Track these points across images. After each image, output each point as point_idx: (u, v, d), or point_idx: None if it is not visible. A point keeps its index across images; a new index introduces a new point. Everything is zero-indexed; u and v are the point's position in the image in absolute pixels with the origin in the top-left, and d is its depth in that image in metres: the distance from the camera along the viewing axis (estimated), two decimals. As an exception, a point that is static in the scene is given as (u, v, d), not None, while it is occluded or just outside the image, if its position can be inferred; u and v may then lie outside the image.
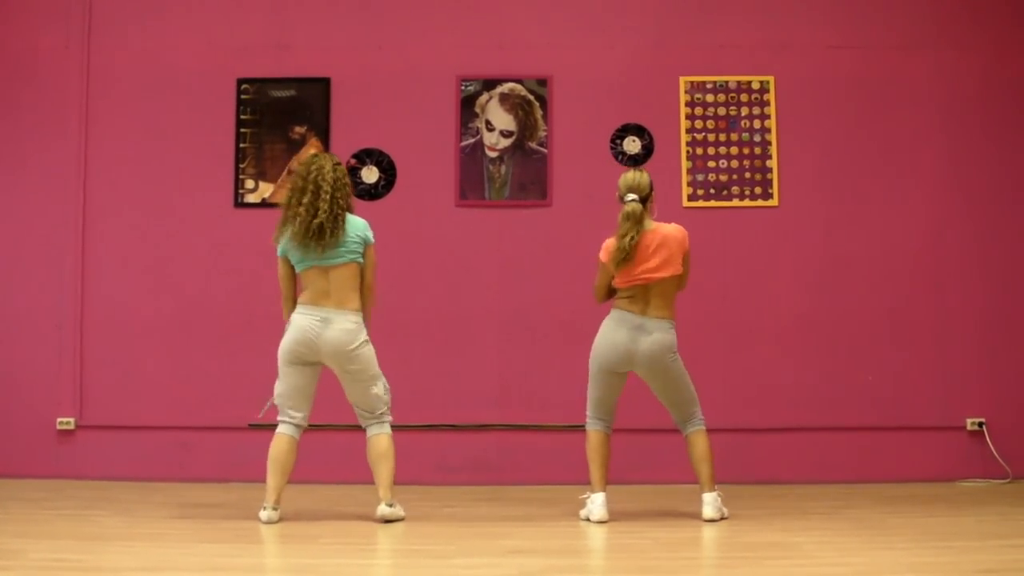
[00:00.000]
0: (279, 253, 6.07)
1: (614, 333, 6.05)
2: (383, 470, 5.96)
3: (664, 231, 6.06)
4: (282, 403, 6.01)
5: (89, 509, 6.39)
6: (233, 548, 5.24)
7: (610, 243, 6.13)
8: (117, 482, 7.53)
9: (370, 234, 6.11)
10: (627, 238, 5.98)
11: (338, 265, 5.98)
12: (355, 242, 6.02)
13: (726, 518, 6.00)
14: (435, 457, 7.67)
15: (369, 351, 6.03)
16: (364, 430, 6.07)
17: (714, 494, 6.01)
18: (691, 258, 6.17)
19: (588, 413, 6.18)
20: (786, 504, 6.64)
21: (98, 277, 7.86)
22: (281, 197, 6.16)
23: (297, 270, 6.04)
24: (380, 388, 6.05)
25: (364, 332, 6.02)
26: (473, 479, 7.64)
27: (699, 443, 6.10)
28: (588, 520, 6.00)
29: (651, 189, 6.14)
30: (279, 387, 6.02)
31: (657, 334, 6.01)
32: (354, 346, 5.95)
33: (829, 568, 4.70)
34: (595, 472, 6.09)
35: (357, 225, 6.06)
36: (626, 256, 5.98)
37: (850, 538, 5.40)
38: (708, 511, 5.96)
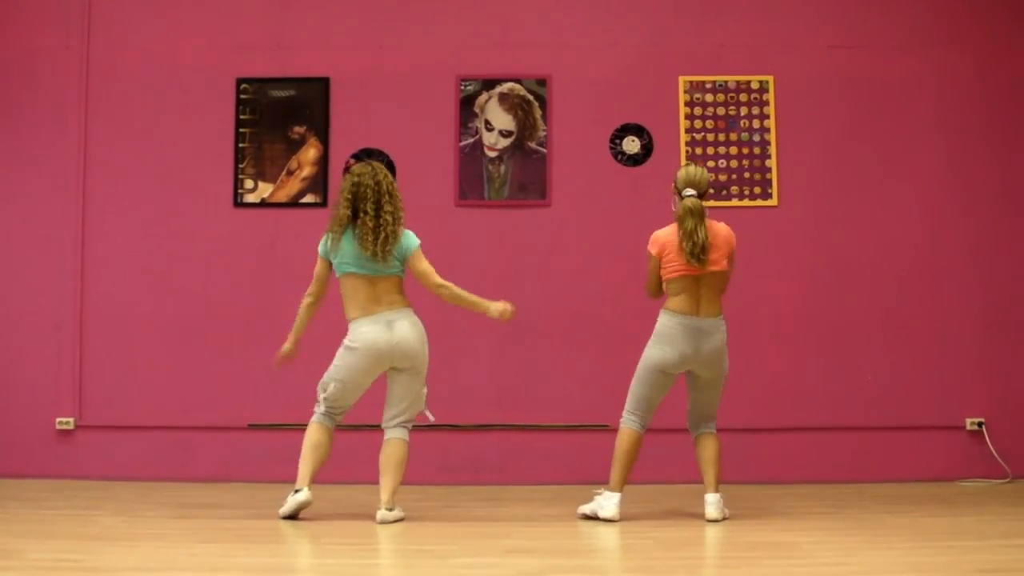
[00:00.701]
0: (321, 254, 6.11)
1: (678, 341, 5.99)
2: (393, 476, 5.97)
3: (715, 228, 6.08)
4: (335, 401, 6.06)
5: (89, 509, 6.39)
6: (234, 548, 5.24)
7: (661, 235, 6.12)
8: (117, 482, 7.54)
9: (412, 244, 6.12)
10: (700, 234, 5.97)
11: (385, 276, 6.03)
12: (399, 258, 6.07)
13: (727, 518, 6.01)
14: (436, 457, 7.66)
15: (428, 349, 6.11)
16: (382, 431, 6.11)
17: (718, 495, 6.01)
18: (735, 259, 6.19)
19: (628, 408, 6.13)
20: (785, 504, 6.64)
21: (97, 277, 7.87)
22: (338, 198, 6.13)
23: (337, 273, 6.07)
24: (425, 390, 6.15)
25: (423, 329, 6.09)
26: (473, 479, 7.64)
27: (711, 445, 6.12)
28: (595, 516, 6.00)
29: (708, 186, 6.17)
30: (338, 391, 6.03)
31: (717, 335, 6.03)
32: (422, 341, 6.08)
33: (829, 568, 4.70)
34: (619, 472, 6.06)
35: (403, 242, 6.08)
36: (702, 257, 5.97)
37: (850, 538, 5.41)
38: (711, 511, 5.96)
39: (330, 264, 6.10)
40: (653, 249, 6.13)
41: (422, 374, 6.12)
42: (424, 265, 6.13)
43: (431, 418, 6.23)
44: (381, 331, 5.97)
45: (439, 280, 6.14)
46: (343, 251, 6.02)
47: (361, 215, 6.00)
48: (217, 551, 5.15)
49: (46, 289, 7.86)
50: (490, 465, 7.70)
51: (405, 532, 5.68)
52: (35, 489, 7.18)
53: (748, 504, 6.57)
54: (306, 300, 6.16)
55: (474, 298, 6.18)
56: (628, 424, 6.13)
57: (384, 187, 6.04)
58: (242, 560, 4.96)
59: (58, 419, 7.75)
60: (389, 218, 5.97)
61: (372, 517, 5.96)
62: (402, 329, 5.99)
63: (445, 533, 5.63)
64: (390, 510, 5.90)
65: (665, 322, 6.06)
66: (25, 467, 7.67)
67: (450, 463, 7.68)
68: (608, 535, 5.67)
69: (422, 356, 6.09)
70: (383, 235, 5.94)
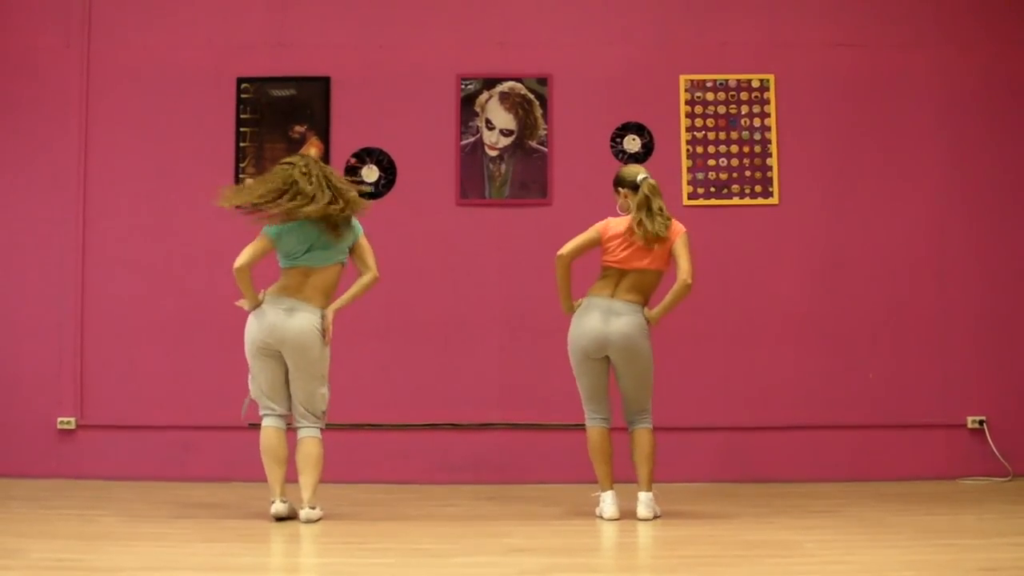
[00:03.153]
0: (271, 235, 6.09)
1: (585, 319, 6.08)
2: (312, 474, 5.96)
3: (671, 225, 6.13)
4: (259, 397, 6.07)
5: (90, 509, 6.39)
6: (234, 547, 5.24)
7: (612, 224, 6.18)
8: (118, 482, 7.54)
9: (359, 228, 6.16)
10: (666, 211, 6.09)
11: (325, 267, 6.05)
12: (347, 246, 6.09)
13: (659, 516, 6.00)
14: (437, 456, 7.67)
15: (326, 351, 6.07)
16: (295, 430, 6.08)
17: (651, 494, 6.02)
18: (690, 253, 6.07)
19: (584, 409, 6.18)
20: (787, 502, 6.64)
21: (98, 276, 7.87)
22: (274, 184, 6.10)
23: (282, 264, 6.08)
24: (326, 390, 6.09)
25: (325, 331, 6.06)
26: (475, 478, 7.63)
27: (647, 440, 6.08)
28: (600, 518, 6.01)
29: None
30: (253, 383, 6.08)
31: (627, 316, 6.03)
32: (315, 339, 5.99)
33: (830, 566, 4.70)
34: (600, 470, 6.09)
35: (354, 228, 6.12)
36: (659, 234, 6.02)
37: (851, 536, 5.41)
38: (643, 510, 5.96)
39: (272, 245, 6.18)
40: (601, 228, 6.20)
41: (315, 374, 6.02)
42: (367, 245, 6.21)
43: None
44: (279, 313, 5.98)
45: (375, 266, 6.19)
46: (294, 239, 6.10)
47: (310, 196, 6.05)
48: (218, 550, 5.16)
49: (47, 288, 7.86)
50: (491, 464, 7.70)
51: (406, 531, 5.68)
52: (36, 489, 7.19)
53: (749, 502, 6.57)
54: (242, 273, 6.15)
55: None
56: (589, 423, 6.17)
57: (318, 172, 6.09)
58: (243, 559, 4.97)
59: (59, 419, 7.76)
60: (341, 201, 6.04)
61: (374, 516, 5.99)
62: (300, 319, 5.97)
63: (446, 532, 5.64)
64: (312, 508, 5.91)
65: (578, 309, 6.16)
66: (26, 467, 7.68)
67: (451, 462, 7.68)
68: (609, 533, 5.67)
69: (315, 356, 6.00)
70: (333, 213, 6.02)
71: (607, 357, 6.09)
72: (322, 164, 6.14)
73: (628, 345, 6.02)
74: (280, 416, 6.05)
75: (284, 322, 5.96)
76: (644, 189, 6.10)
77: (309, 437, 6.02)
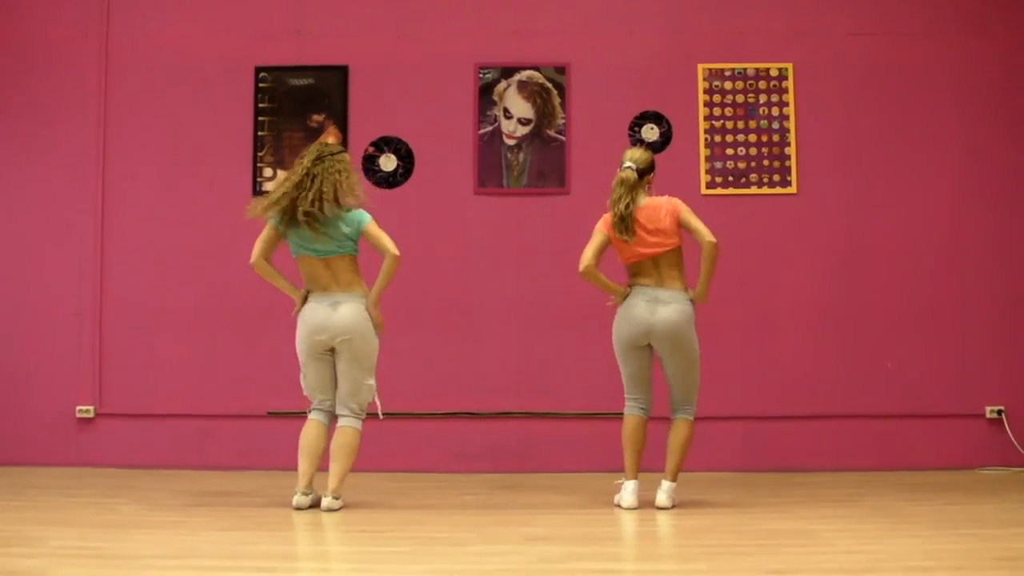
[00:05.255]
0: (274, 222, 6.07)
1: (632, 307, 6.07)
2: (343, 464, 5.95)
3: (655, 204, 6.10)
4: (311, 393, 6.06)
5: (109, 497, 6.42)
6: (253, 535, 5.25)
7: (608, 218, 6.17)
8: (136, 470, 7.57)
9: (364, 219, 6.05)
10: (622, 203, 6.06)
11: (333, 257, 6.00)
12: (348, 237, 6.01)
13: (676, 506, 5.99)
14: (454, 445, 7.68)
15: (376, 342, 6.05)
16: (336, 417, 6.07)
17: (673, 484, 6.02)
18: (697, 217, 6.07)
19: (625, 395, 6.18)
20: (805, 492, 6.63)
21: (117, 265, 7.89)
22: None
23: (292, 254, 6.08)
24: (373, 381, 6.06)
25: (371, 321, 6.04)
26: (492, 467, 7.64)
27: (683, 431, 6.08)
28: (619, 506, 6.01)
29: (651, 168, 6.22)
30: (305, 380, 6.07)
31: (674, 304, 6.02)
32: (366, 329, 5.98)
33: (848, 555, 4.70)
34: (629, 459, 6.08)
35: (349, 221, 6.03)
36: (626, 226, 6.01)
37: (869, 525, 5.40)
38: (662, 498, 5.96)
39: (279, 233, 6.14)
40: (602, 226, 6.19)
41: (364, 364, 6.02)
42: (377, 232, 6.10)
43: (379, 414, 6.21)
44: (325, 309, 5.96)
45: (393, 248, 6.05)
46: (287, 230, 6.07)
47: (288, 189, 6.08)
48: (237, 538, 5.18)
49: (66, 278, 7.89)
50: (509, 453, 7.71)
51: (424, 520, 5.69)
52: (56, 477, 7.22)
53: (767, 491, 6.57)
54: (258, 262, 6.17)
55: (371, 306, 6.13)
56: (627, 410, 6.17)
57: (306, 164, 6.10)
58: (262, 547, 4.98)
59: (78, 407, 7.79)
60: (304, 195, 6.00)
61: (392, 505, 6.00)
62: (346, 309, 5.95)
63: (464, 521, 5.64)
64: (336, 499, 5.91)
65: (628, 297, 6.14)
66: (45, 455, 7.71)
67: (469, 451, 7.69)
68: (628, 522, 5.67)
69: (365, 345, 5.99)
70: (299, 207, 6.00)
71: (650, 346, 6.09)
72: (328, 162, 6.07)
73: (673, 333, 6.02)
74: (327, 412, 6.05)
75: (332, 316, 5.94)
76: (614, 180, 6.16)
77: (349, 427, 6.00)
